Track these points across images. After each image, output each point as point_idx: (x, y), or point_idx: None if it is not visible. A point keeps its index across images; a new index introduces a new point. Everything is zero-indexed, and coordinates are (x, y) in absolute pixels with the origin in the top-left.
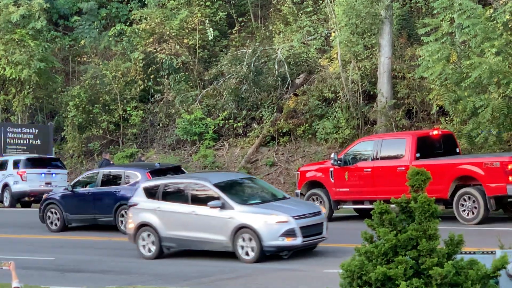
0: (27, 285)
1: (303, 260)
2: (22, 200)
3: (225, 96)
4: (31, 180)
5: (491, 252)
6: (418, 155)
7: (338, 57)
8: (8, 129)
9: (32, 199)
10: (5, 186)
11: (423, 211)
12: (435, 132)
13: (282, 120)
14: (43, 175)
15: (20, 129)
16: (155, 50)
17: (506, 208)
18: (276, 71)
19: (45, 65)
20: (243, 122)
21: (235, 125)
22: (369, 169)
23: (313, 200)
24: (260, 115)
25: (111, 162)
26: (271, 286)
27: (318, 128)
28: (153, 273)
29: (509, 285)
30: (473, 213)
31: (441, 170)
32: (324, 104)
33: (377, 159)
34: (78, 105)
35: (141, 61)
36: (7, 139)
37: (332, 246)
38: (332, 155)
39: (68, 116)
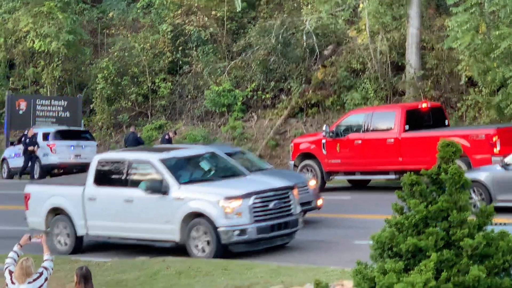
0: (57, 257)
1: (334, 231)
2: (51, 172)
3: (253, 67)
4: (60, 153)
5: None
6: (407, 127)
7: (366, 28)
8: (37, 102)
9: (62, 171)
10: (35, 158)
11: (454, 182)
12: (424, 105)
13: (310, 91)
14: (72, 147)
15: (49, 101)
16: (183, 22)
17: None
18: (304, 43)
19: (74, 37)
20: (272, 93)
21: (263, 97)
22: (360, 141)
23: (306, 171)
24: (288, 87)
25: (138, 136)
26: (303, 258)
27: (346, 99)
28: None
29: None
30: None
31: (429, 142)
32: (352, 75)
33: (367, 131)
34: (107, 77)
35: (169, 33)
36: (37, 112)
37: (360, 217)
38: (324, 127)
39: (97, 88)
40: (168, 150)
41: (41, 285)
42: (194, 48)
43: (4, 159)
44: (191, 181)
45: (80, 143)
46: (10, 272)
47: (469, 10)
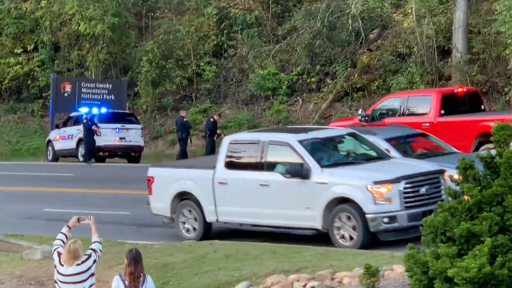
0: (104, 239)
1: None
2: (96, 155)
3: (298, 51)
4: (105, 135)
5: None
6: (442, 111)
7: (412, 12)
8: (82, 84)
9: (107, 154)
10: (80, 141)
11: (509, 166)
12: (460, 90)
13: (355, 75)
14: (117, 130)
15: (94, 84)
16: (228, 5)
17: None
18: (350, 26)
19: (119, 20)
20: (317, 77)
21: (308, 80)
22: None
23: None
24: (334, 70)
25: (185, 120)
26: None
27: (392, 84)
28: (229, 228)
29: None
30: None
31: (464, 126)
32: (398, 59)
33: (403, 115)
34: (152, 60)
35: (214, 16)
36: (82, 94)
37: None
38: (360, 111)
39: (142, 72)
40: (306, 131)
41: (89, 267)
42: (239, 32)
43: (49, 142)
44: (333, 164)
45: (125, 126)
46: (59, 254)
47: None
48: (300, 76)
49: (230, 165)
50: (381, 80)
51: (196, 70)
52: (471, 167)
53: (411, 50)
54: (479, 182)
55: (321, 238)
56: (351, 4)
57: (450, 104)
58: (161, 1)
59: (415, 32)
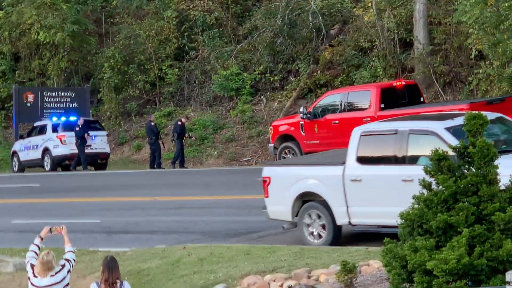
0: (77, 249)
1: None
2: (62, 163)
3: (260, 50)
4: (70, 144)
5: None
6: (382, 105)
7: (372, 5)
8: (44, 93)
9: (72, 162)
10: (46, 150)
11: (482, 155)
12: (399, 83)
13: (318, 71)
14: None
15: (56, 93)
16: (187, 7)
17: None
18: (311, 23)
19: (78, 27)
20: (280, 75)
21: (271, 79)
22: (337, 121)
23: (286, 153)
24: (297, 68)
25: (152, 124)
26: None
27: (355, 78)
28: (201, 231)
29: None
30: None
31: None
32: (360, 53)
33: (344, 111)
34: (113, 66)
35: (174, 19)
36: (45, 104)
37: None
38: (301, 109)
39: (104, 78)
40: (452, 117)
41: (64, 278)
42: (199, 33)
43: (14, 153)
44: None
45: (90, 133)
46: (32, 266)
47: None
48: (263, 75)
49: (363, 159)
50: (344, 75)
51: (159, 74)
52: (445, 158)
53: (373, 44)
54: (453, 172)
55: None
56: (311, 1)
57: (389, 98)
58: (120, 7)
59: (376, 26)
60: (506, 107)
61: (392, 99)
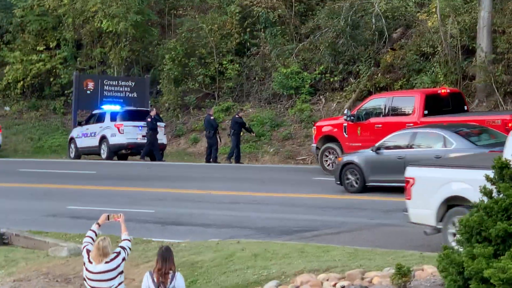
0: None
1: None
2: (119, 152)
3: (321, 50)
4: (128, 133)
5: None
6: (426, 112)
7: (437, 11)
8: (105, 82)
9: (129, 151)
10: (103, 138)
11: None
12: (443, 91)
13: (379, 74)
14: (140, 127)
15: (116, 81)
16: (251, 3)
17: None
18: (374, 25)
19: (142, 17)
20: (340, 76)
21: (331, 79)
22: (380, 125)
23: (328, 153)
24: (357, 70)
25: (211, 118)
26: (376, 241)
27: (416, 83)
28: (255, 226)
29: None
30: None
31: None
32: (422, 58)
33: (387, 115)
34: (174, 58)
35: (237, 14)
36: (104, 92)
37: None
38: (345, 111)
39: (164, 69)
40: None
41: (118, 265)
42: (262, 30)
43: (71, 139)
44: None
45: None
46: (88, 251)
47: None
48: (323, 75)
49: None
50: (404, 80)
51: (219, 69)
52: (507, 167)
53: (435, 50)
54: None
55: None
56: (375, 3)
57: (433, 105)
58: None
59: (439, 32)
60: None
61: (436, 106)
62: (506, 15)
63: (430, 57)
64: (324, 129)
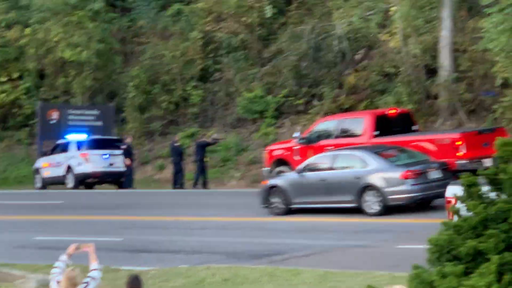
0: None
1: (375, 236)
2: (85, 181)
3: (285, 73)
4: (94, 162)
5: None
6: (376, 133)
7: (398, 31)
8: (69, 111)
9: (96, 180)
10: (69, 168)
11: None
12: (392, 111)
13: (343, 96)
14: (106, 156)
15: (81, 111)
16: (213, 29)
17: None
18: (336, 47)
19: (104, 46)
20: (304, 99)
21: (295, 103)
22: (331, 147)
23: None
24: (321, 92)
25: (176, 144)
26: (345, 263)
27: (379, 104)
28: (225, 252)
29: None
30: None
31: None
32: (385, 79)
33: (338, 137)
34: (138, 85)
35: (199, 40)
36: (69, 121)
37: (398, 221)
38: (296, 134)
39: (128, 97)
40: None
41: None
42: (225, 55)
43: (37, 169)
44: None
45: (113, 152)
46: (57, 282)
47: (504, 10)
48: (287, 98)
49: None
50: (368, 100)
51: (183, 95)
52: (475, 184)
53: (398, 70)
54: (483, 199)
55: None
56: (337, 25)
57: (383, 125)
58: (145, 27)
59: (402, 52)
60: (496, 137)
61: (385, 127)
62: (467, 34)
63: (393, 77)
64: (276, 152)
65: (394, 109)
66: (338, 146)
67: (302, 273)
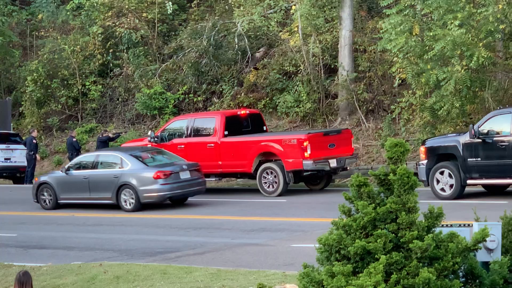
0: None
1: (269, 234)
2: None
3: (185, 70)
4: None
5: (468, 225)
6: (226, 132)
7: (298, 30)
8: None
9: None
10: None
11: (402, 183)
12: (243, 112)
13: (242, 94)
14: (2, 150)
15: None
16: (113, 24)
17: (306, 181)
18: (236, 45)
19: (2, 39)
20: (203, 96)
21: (195, 99)
22: (183, 146)
23: None
24: (221, 89)
25: (74, 140)
26: (239, 261)
27: (279, 102)
28: (118, 249)
29: (486, 257)
30: (273, 186)
31: (246, 146)
32: (284, 77)
33: (190, 136)
34: (36, 80)
35: (99, 35)
36: None
37: (296, 220)
38: (149, 133)
39: (26, 91)
40: None
41: None
42: (124, 51)
43: None
44: None
45: (9, 146)
46: None
47: (402, 12)
48: (186, 95)
49: None
50: (267, 99)
51: (82, 90)
52: (365, 184)
53: (298, 69)
54: (373, 199)
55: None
56: (237, 23)
57: (233, 125)
58: (45, 21)
59: (302, 51)
60: (342, 138)
61: (235, 127)
62: (366, 34)
63: (293, 76)
64: None
65: (244, 109)
66: (189, 145)
67: (195, 271)
